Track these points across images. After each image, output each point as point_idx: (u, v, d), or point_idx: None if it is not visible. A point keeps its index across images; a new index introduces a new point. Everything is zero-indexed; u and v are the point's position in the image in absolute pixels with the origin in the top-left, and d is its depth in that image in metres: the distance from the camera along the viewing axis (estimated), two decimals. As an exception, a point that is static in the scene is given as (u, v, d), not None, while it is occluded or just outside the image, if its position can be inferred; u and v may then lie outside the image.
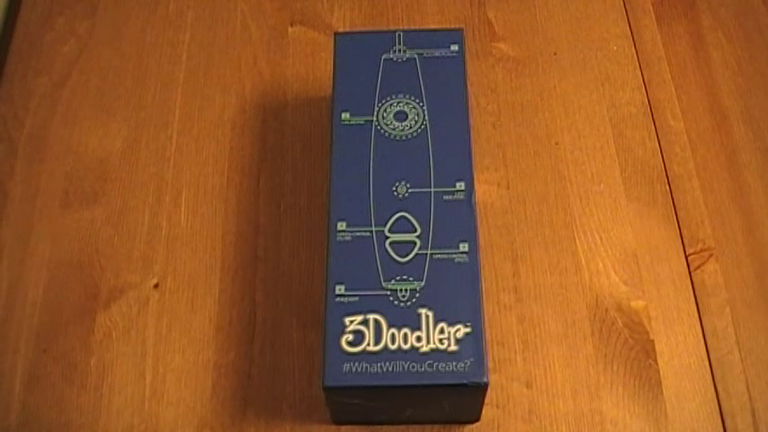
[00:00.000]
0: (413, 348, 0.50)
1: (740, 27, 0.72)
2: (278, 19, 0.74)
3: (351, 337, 0.50)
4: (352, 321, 0.51)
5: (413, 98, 0.58)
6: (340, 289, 0.52)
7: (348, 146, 0.57)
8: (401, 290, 0.52)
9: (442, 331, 0.51)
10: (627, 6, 0.74)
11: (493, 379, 0.58)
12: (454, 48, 0.60)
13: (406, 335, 0.50)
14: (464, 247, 0.53)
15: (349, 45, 0.61)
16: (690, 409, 0.57)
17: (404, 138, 0.57)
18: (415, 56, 0.60)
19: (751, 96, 0.69)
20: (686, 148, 0.67)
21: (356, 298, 0.52)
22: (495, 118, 0.68)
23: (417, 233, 0.53)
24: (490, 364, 0.59)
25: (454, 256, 0.53)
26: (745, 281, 0.62)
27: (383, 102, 0.58)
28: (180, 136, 0.68)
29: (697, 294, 0.61)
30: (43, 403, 0.58)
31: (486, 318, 0.59)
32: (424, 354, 0.50)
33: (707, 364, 0.59)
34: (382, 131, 0.57)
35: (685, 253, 0.63)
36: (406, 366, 0.50)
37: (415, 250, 0.53)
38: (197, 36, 0.73)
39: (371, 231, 0.54)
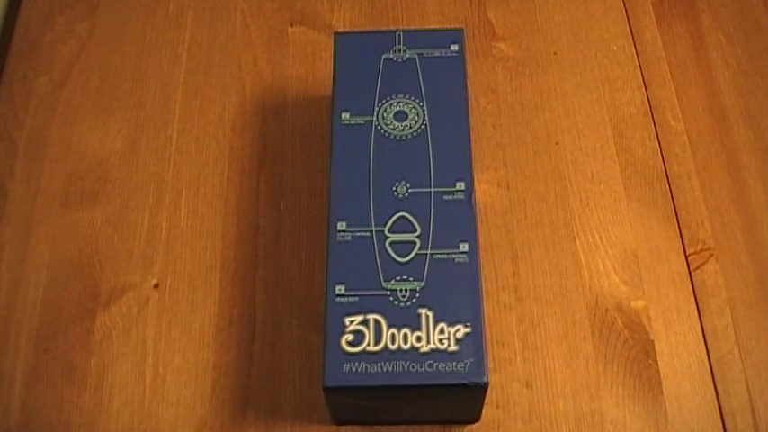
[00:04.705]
0: (413, 348, 0.50)
1: (740, 27, 0.72)
2: (278, 19, 0.74)
3: (351, 337, 0.50)
4: (352, 321, 0.51)
5: (413, 98, 0.58)
6: (340, 289, 0.52)
7: (348, 146, 0.57)
8: (401, 290, 0.52)
9: (441, 331, 0.50)
10: (627, 6, 0.74)
11: (493, 379, 0.58)
12: (454, 48, 0.60)
13: (406, 335, 0.50)
14: (464, 247, 0.53)
15: (349, 45, 0.61)
16: (690, 409, 0.57)
17: (404, 138, 0.57)
18: (415, 56, 0.60)
19: (751, 96, 0.69)
20: (686, 148, 0.67)
21: (356, 298, 0.52)
22: (495, 118, 0.68)
23: (417, 233, 0.53)
24: (490, 364, 0.59)
25: (454, 256, 0.53)
26: (745, 281, 0.62)
27: (383, 102, 0.58)
28: (180, 136, 0.68)
29: (697, 294, 0.61)
30: (43, 403, 0.58)
31: (486, 318, 0.59)
32: (424, 354, 0.50)
33: (707, 364, 0.59)
34: (382, 131, 0.57)
35: (685, 253, 0.63)
36: (406, 366, 0.50)
37: (415, 250, 0.53)
38: (197, 36, 0.73)
39: (371, 231, 0.54)
